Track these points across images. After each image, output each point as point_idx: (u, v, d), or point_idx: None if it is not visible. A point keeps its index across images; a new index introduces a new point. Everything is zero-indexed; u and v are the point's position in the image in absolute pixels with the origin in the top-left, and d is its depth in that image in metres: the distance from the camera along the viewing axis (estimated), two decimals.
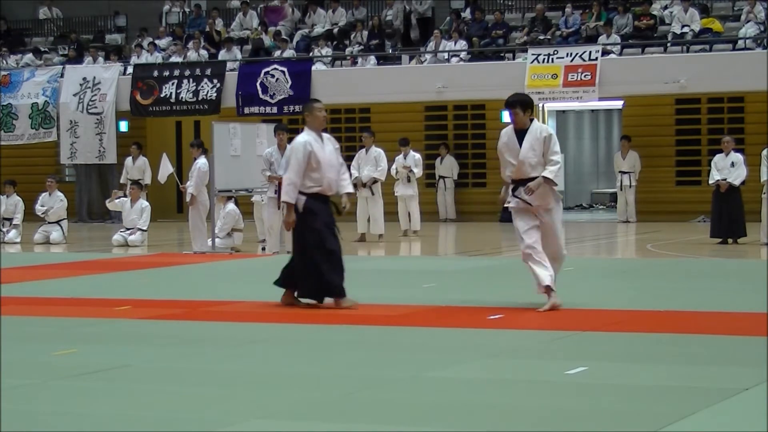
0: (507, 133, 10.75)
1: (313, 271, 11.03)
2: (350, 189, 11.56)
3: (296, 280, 11.23)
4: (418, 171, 22.14)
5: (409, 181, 22.01)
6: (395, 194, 22.01)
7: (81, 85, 28.39)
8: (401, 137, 22.87)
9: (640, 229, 23.27)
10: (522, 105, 10.77)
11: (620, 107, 27.11)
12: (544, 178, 10.51)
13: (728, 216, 18.90)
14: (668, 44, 25.57)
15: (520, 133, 10.66)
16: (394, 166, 22.08)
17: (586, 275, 14.39)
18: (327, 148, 11.36)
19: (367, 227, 20.90)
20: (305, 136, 11.29)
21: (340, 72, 27.22)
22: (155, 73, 28.07)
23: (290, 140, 18.25)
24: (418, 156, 22.37)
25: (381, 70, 26.88)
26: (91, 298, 12.20)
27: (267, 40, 28.81)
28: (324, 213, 11.15)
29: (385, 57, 27.79)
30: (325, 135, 11.50)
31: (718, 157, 19.35)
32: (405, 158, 22.15)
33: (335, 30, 28.89)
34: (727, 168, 19.06)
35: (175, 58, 28.68)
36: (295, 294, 11.27)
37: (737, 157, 19.19)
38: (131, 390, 7.30)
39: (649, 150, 25.27)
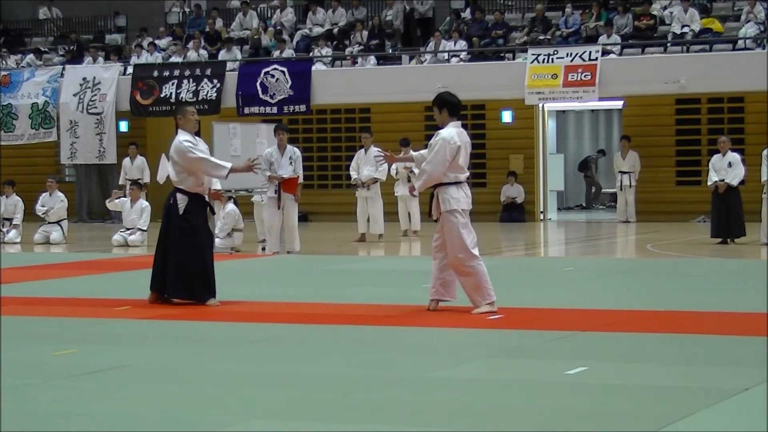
0: None
1: (185, 271, 11.36)
2: (218, 186, 12.11)
3: (168, 278, 11.46)
4: (418, 171, 22.12)
5: (409, 181, 22.00)
6: (395, 194, 22.00)
7: (81, 85, 28.40)
8: (402, 137, 22.85)
9: (640, 229, 23.26)
10: (437, 103, 10.60)
11: (620, 107, 27.11)
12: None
13: (727, 216, 18.90)
14: (668, 44, 25.57)
15: None
16: (394, 167, 22.07)
17: (586, 275, 14.39)
18: (201, 147, 11.71)
19: (367, 227, 20.91)
20: (183, 136, 11.61)
21: (340, 72, 27.22)
22: (155, 73, 28.08)
23: (290, 141, 18.40)
24: None
25: (381, 70, 26.88)
26: (91, 298, 12.20)
27: (266, 40, 28.80)
28: (202, 215, 11.58)
29: (385, 57, 27.79)
30: (197, 137, 11.80)
31: (715, 158, 19.37)
32: None
33: (335, 30, 28.89)
34: (725, 168, 19.07)
35: (175, 58, 28.69)
36: (165, 294, 11.53)
37: (734, 157, 19.19)
38: (131, 390, 7.30)
39: (649, 150, 25.27)
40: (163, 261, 11.48)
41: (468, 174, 10.64)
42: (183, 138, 11.53)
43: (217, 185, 12.36)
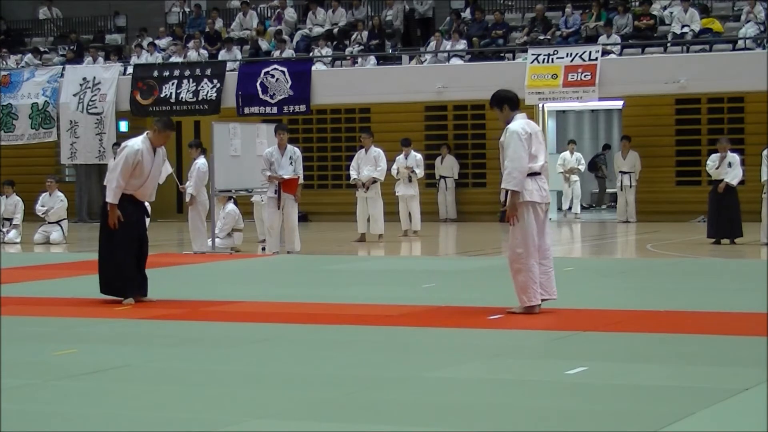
0: None
1: (108, 268, 11.60)
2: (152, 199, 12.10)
3: (99, 274, 11.74)
4: (419, 171, 22.17)
5: (410, 181, 22.01)
6: (396, 194, 22.01)
7: (81, 85, 28.40)
8: (403, 137, 22.87)
9: (640, 229, 23.26)
10: (496, 102, 10.44)
11: (620, 107, 27.11)
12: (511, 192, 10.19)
13: (726, 216, 18.88)
14: (668, 44, 25.57)
15: None
16: (395, 167, 22.08)
17: (586, 275, 14.39)
18: (156, 161, 11.76)
19: (367, 227, 20.91)
20: (140, 144, 11.67)
21: (340, 72, 27.22)
22: (155, 73, 28.08)
23: (290, 141, 18.40)
24: (419, 156, 22.37)
25: (381, 70, 26.88)
26: (91, 298, 12.20)
27: (264, 44, 28.77)
28: (134, 214, 11.65)
29: (385, 57, 27.80)
30: (159, 149, 11.82)
31: (714, 156, 19.30)
32: (406, 158, 22.14)
33: (335, 30, 28.90)
34: (725, 168, 19.03)
35: (175, 58, 28.69)
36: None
37: (734, 157, 19.16)
38: (131, 390, 7.30)
39: (649, 150, 25.27)
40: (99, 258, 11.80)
41: (542, 164, 10.33)
42: (138, 146, 11.57)
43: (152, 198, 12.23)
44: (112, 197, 11.50)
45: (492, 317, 10.22)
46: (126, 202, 11.59)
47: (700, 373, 7.69)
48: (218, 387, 7.38)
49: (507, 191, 10.23)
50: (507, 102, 10.47)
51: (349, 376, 7.70)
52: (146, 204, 12.06)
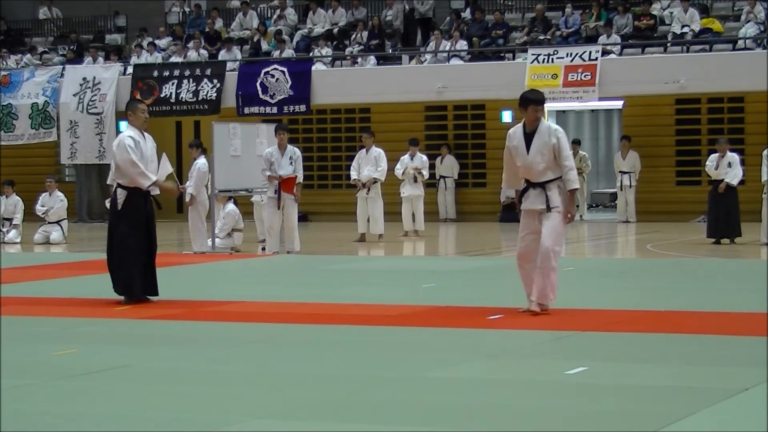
0: (516, 134, 10.38)
1: (119, 266, 11.55)
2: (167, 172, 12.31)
3: (110, 273, 11.71)
4: (426, 172, 22.17)
5: (416, 181, 21.99)
6: (402, 194, 21.97)
7: (81, 85, 28.41)
8: (411, 137, 22.87)
9: (640, 229, 23.26)
10: (540, 102, 10.48)
11: (620, 107, 27.11)
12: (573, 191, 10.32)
13: (725, 216, 18.87)
14: (668, 44, 25.58)
15: (530, 135, 10.26)
16: (399, 167, 22.03)
17: (586, 275, 14.39)
18: (148, 144, 11.85)
19: (367, 227, 20.90)
20: (129, 132, 11.77)
21: (340, 72, 27.23)
22: (155, 73, 28.09)
23: (290, 141, 18.40)
24: (425, 157, 22.36)
25: (381, 70, 26.89)
26: (91, 298, 12.20)
27: (264, 45, 28.79)
28: (141, 211, 11.63)
29: (385, 57, 27.80)
30: (146, 133, 11.90)
31: (714, 156, 19.29)
32: (412, 159, 22.10)
33: (335, 30, 28.91)
34: (724, 168, 19.03)
35: (175, 58, 28.70)
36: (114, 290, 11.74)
37: (733, 157, 19.17)
38: (131, 390, 7.30)
39: (649, 150, 25.27)
40: (108, 256, 11.71)
41: None
42: (128, 134, 11.70)
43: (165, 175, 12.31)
44: (148, 180, 11.47)
45: (492, 317, 10.22)
46: (136, 196, 11.58)
47: (700, 373, 7.69)
48: (218, 387, 7.38)
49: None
50: (543, 105, 10.56)
51: (349, 376, 7.70)
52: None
